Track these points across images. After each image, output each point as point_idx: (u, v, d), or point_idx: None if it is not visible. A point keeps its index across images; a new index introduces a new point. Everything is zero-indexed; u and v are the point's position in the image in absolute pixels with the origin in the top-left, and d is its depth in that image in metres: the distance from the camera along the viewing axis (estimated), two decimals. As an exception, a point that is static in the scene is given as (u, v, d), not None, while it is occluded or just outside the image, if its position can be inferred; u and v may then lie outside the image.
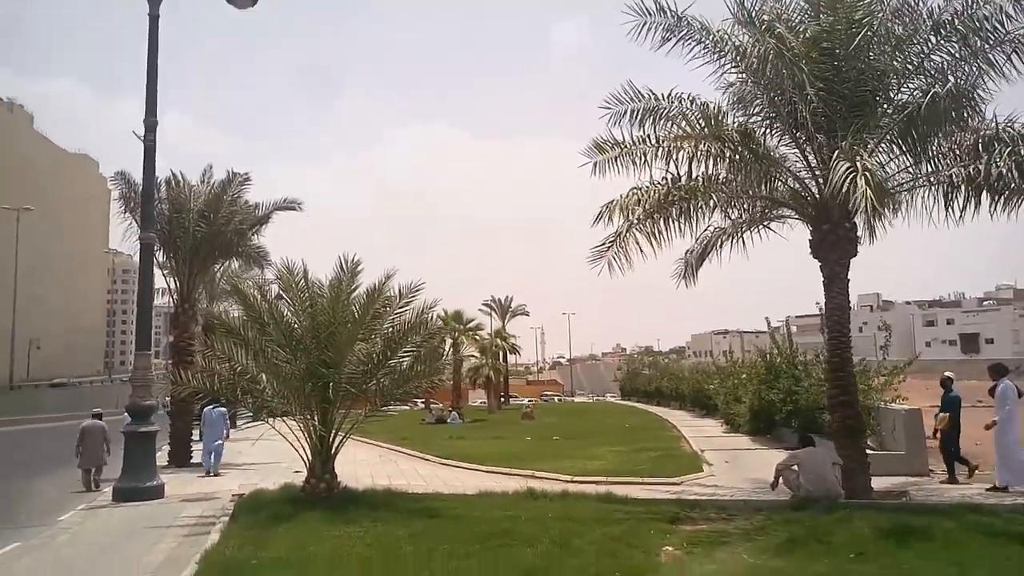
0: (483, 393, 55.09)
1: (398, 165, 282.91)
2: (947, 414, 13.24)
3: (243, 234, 20.79)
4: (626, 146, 12.09)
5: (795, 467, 11.16)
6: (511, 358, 66.58)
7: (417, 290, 12.27)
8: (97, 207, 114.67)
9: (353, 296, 12.02)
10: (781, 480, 11.24)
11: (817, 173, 11.71)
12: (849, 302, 11.92)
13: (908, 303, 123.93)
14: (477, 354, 50.37)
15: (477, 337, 51.38)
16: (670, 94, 12.30)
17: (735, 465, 16.61)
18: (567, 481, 13.92)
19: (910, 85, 11.30)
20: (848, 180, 9.19)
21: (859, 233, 11.86)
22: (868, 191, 8.94)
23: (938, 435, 13.56)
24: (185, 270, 20.21)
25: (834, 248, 11.66)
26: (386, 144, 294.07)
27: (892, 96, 11.48)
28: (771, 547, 8.42)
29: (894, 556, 7.66)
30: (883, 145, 11.60)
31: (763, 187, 12.08)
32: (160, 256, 19.89)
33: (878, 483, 11.99)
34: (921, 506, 10.47)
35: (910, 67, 11.20)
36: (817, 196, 11.82)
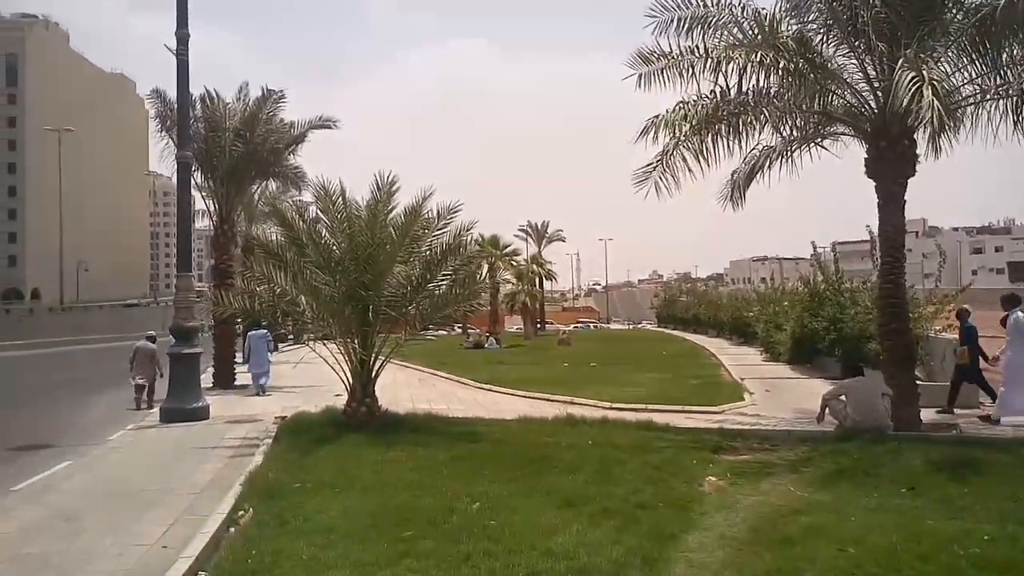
0: (519, 319, 55.19)
1: (427, 80, 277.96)
2: (965, 347, 12.79)
3: (279, 153, 20.60)
4: (673, 57, 11.45)
5: (842, 397, 10.91)
6: (547, 284, 66.41)
7: (455, 211, 12.04)
8: (136, 128, 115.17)
9: (391, 217, 11.83)
10: (828, 412, 11.01)
11: (876, 85, 11.02)
12: (905, 225, 11.37)
13: (955, 229, 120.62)
14: (513, 280, 50.28)
15: (513, 263, 51.26)
16: (720, 0, 11.64)
17: (777, 394, 16.40)
18: (606, 408, 13.86)
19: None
20: (913, 91, 8.57)
21: (918, 151, 11.22)
22: (935, 102, 8.34)
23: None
24: (223, 191, 20.16)
25: (892, 166, 11.06)
26: (414, 61, 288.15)
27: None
28: (817, 479, 8.26)
29: (947, 490, 7.42)
30: (950, 54, 10.81)
31: (818, 101, 11.39)
32: (198, 177, 19.86)
33: (926, 415, 11.74)
34: (974, 439, 10.17)
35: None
36: (875, 110, 11.17)
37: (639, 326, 79.32)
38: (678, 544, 6.08)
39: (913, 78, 8.72)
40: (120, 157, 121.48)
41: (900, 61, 9.29)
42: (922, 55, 9.59)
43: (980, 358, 12.82)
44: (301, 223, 11.70)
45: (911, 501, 7.16)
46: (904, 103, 8.80)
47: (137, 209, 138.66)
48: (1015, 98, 10.72)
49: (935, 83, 8.63)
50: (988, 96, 10.95)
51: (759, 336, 28.55)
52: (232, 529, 6.76)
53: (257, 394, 17.77)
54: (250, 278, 12.16)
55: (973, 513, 6.65)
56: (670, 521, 6.60)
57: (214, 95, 20.33)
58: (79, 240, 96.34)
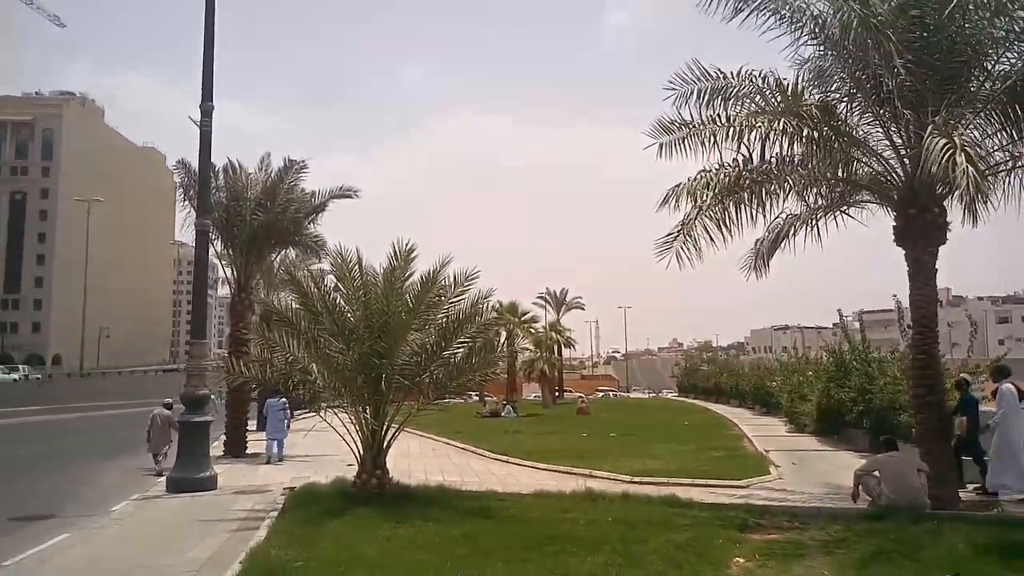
0: (537, 387, 54.53)
1: (447, 152, 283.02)
2: (964, 418, 12.25)
3: (299, 222, 20.68)
4: (694, 126, 11.36)
5: (876, 473, 10.38)
6: (565, 352, 65.80)
7: (473, 278, 11.85)
8: (164, 199, 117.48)
9: (407, 284, 11.65)
10: (861, 488, 10.47)
11: (903, 153, 10.82)
12: (937, 294, 11.03)
13: (980, 299, 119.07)
14: (531, 347, 49.83)
15: (532, 330, 50.79)
16: (740, 72, 11.59)
17: (804, 468, 15.79)
18: (626, 481, 13.33)
19: (1009, 54, 10.30)
20: (946, 157, 8.34)
21: (949, 218, 10.95)
22: (970, 168, 8.09)
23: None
24: (242, 259, 20.20)
25: (922, 234, 10.78)
26: (434, 131, 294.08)
27: (988, 67, 10.48)
28: (853, 561, 7.75)
29: (994, 576, 6.92)
30: (979, 121, 10.62)
31: (843, 170, 11.22)
32: (218, 245, 20.03)
33: (965, 493, 11.17)
34: (1021, 519, 9.59)
35: (1012, 33, 10.18)
36: (902, 178, 10.96)
37: (659, 395, 78.23)
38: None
39: (945, 145, 8.50)
40: (147, 227, 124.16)
41: (929, 128, 9.11)
42: (951, 121, 9.39)
43: (976, 430, 12.36)
44: (316, 291, 11.54)
45: (957, 588, 6.66)
46: (936, 170, 8.58)
47: (161, 277, 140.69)
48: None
49: (967, 149, 8.41)
50: (1020, 163, 10.67)
51: (783, 406, 27.93)
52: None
53: (269, 460, 17.76)
54: (264, 345, 11.95)
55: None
56: (697, 608, 6.14)
57: (236, 165, 20.63)
58: (103, 307, 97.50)
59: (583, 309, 67.10)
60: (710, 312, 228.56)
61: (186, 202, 19.98)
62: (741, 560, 7.73)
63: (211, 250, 20.70)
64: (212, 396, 14.33)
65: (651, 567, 7.39)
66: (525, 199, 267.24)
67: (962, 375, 13.54)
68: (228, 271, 20.71)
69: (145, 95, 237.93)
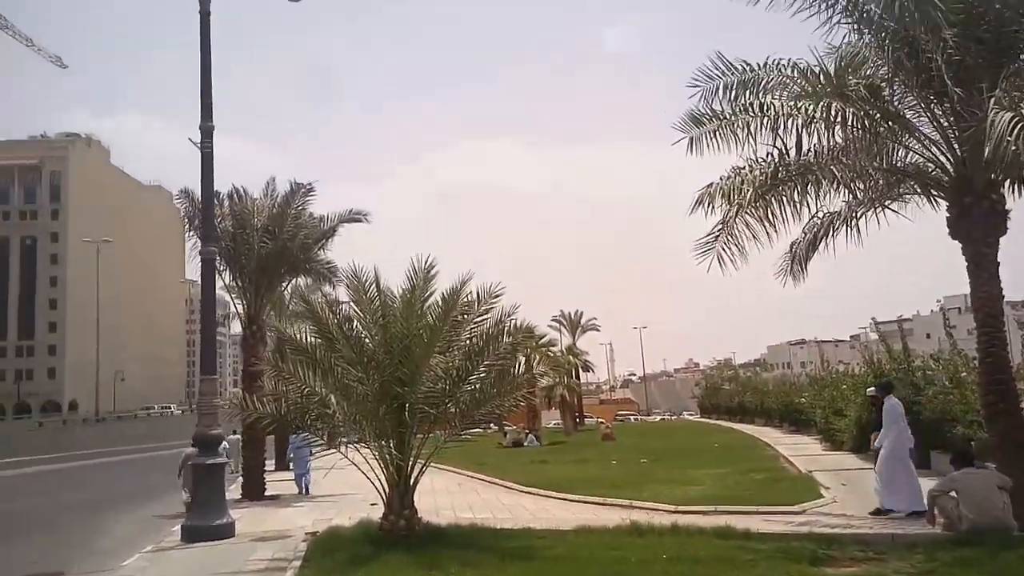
0: (555, 414, 53.50)
1: (451, 178, 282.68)
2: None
3: (309, 248, 19.94)
4: (725, 117, 10.62)
5: (953, 493, 9.41)
6: (583, 376, 64.84)
7: (497, 295, 10.96)
8: (172, 237, 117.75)
9: (428, 304, 10.81)
10: (938, 511, 9.51)
11: (952, 136, 9.96)
12: (1002, 290, 10.07)
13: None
14: (550, 372, 48.87)
15: (550, 353, 49.90)
16: (767, 63, 10.89)
17: (855, 488, 14.74)
18: (671, 511, 12.37)
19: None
20: (1017, 133, 7.48)
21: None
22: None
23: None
24: (252, 290, 19.43)
25: (980, 224, 9.90)
26: (441, 158, 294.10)
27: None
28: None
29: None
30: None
31: (889, 158, 10.39)
32: (227, 277, 19.33)
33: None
34: None
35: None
36: (953, 164, 10.11)
37: (681, 416, 76.86)
38: None
39: (1013, 118, 7.68)
40: (156, 266, 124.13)
41: (991, 102, 8.26)
42: (1015, 94, 8.56)
43: None
44: (330, 315, 10.70)
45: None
46: (1005, 147, 7.73)
47: (173, 317, 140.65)
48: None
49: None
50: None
51: (816, 423, 26.88)
52: None
53: (301, 492, 18.54)
54: (278, 378, 11.13)
55: None
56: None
57: (242, 192, 19.90)
58: (116, 350, 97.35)
59: (599, 331, 66.38)
60: (725, 330, 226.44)
61: (192, 233, 19.29)
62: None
63: (220, 282, 20.23)
64: (228, 439, 13.51)
65: (724, 612, 6.49)
66: (531, 225, 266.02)
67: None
68: (237, 304, 19.99)
69: (148, 135, 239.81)
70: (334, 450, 10.94)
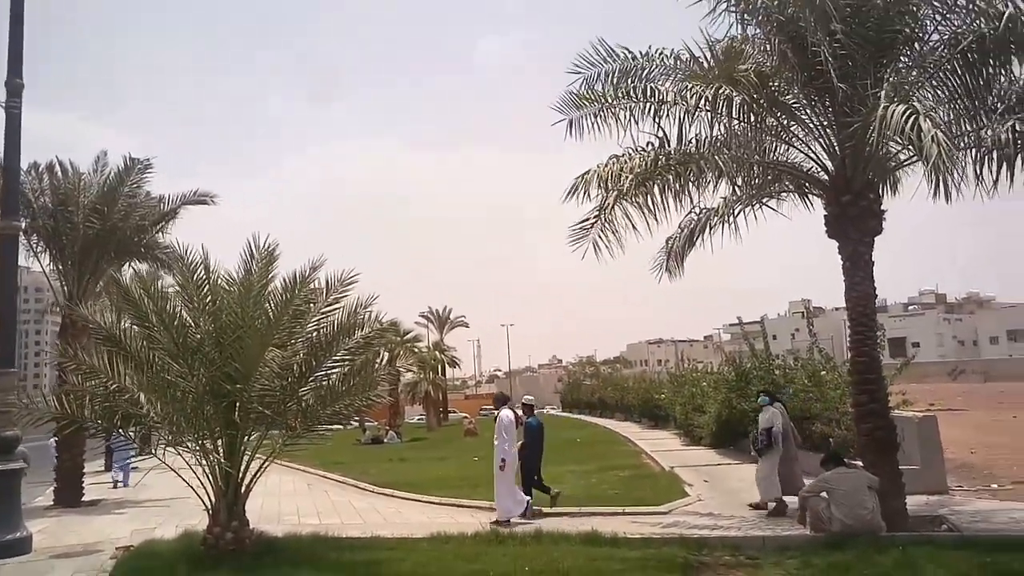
0: (419, 409, 52.37)
1: (329, 176, 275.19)
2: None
3: (145, 231, 17.77)
4: (607, 100, 10.01)
5: (824, 494, 9.12)
6: (449, 371, 63.87)
7: (350, 283, 9.72)
8: None
9: (268, 291, 9.45)
10: (808, 512, 9.20)
11: (833, 134, 9.75)
12: (875, 290, 9.96)
13: (837, 309, 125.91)
14: (415, 368, 47.66)
15: (415, 350, 48.68)
16: (649, 52, 10.42)
17: (717, 485, 14.66)
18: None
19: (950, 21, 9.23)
20: (910, 125, 7.14)
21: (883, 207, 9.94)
22: (939, 135, 6.92)
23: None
24: (74, 274, 17.11)
25: (856, 223, 9.74)
26: (316, 154, 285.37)
27: (923, 36, 9.48)
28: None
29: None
30: (925, 93, 9.50)
31: (773, 152, 10.06)
32: (45, 259, 17.00)
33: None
34: (1000, 539, 8.45)
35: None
36: (833, 163, 9.90)
37: (543, 411, 77.37)
38: None
39: (906, 111, 7.32)
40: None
41: (883, 93, 7.91)
42: (904, 86, 8.28)
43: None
44: (147, 299, 9.09)
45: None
46: (902, 138, 7.41)
47: None
48: (979, 148, 9.40)
49: (931, 115, 7.28)
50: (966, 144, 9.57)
51: (676, 419, 27.21)
52: None
53: (115, 486, 18.08)
54: (77, 371, 9.44)
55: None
56: None
57: (67, 166, 17.48)
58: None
59: (467, 327, 65.64)
60: (588, 329, 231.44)
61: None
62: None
63: (38, 265, 17.88)
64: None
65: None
66: (406, 223, 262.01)
67: (525, 398, 14.39)
68: (56, 289, 17.62)
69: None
70: (150, 455, 9.32)
